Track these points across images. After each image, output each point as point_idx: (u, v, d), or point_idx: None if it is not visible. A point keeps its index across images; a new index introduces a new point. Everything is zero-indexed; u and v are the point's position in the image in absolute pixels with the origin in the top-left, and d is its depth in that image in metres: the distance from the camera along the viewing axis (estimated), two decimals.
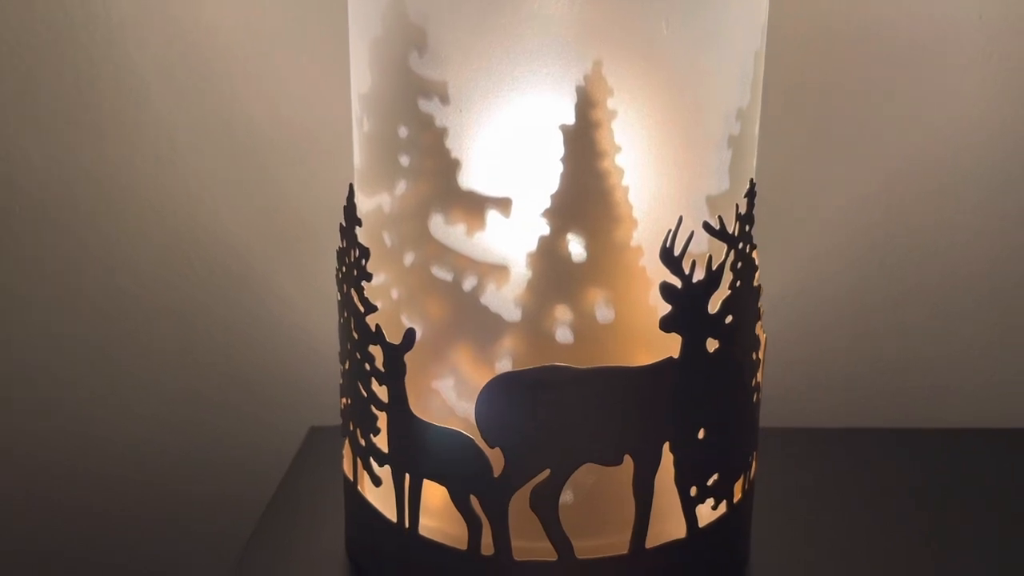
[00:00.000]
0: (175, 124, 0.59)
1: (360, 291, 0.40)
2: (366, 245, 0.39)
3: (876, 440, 0.57)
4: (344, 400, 0.44)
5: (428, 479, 0.39)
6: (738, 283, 0.38)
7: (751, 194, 0.38)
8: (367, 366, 0.40)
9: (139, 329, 0.62)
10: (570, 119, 0.35)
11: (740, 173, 0.39)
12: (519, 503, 0.37)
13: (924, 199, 0.59)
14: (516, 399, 0.36)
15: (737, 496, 0.41)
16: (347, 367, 0.42)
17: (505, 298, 0.37)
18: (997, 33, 0.56)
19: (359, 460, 0.42)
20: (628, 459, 0.37)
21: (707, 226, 0.36)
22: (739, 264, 0.38)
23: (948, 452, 0.56)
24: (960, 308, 0.61)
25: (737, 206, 0.37)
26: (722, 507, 0.41)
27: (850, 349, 0.62)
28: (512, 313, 0.37)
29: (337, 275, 0.42)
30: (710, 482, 0.40)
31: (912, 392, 0.62)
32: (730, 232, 0.37)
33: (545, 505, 0.37)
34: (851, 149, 0.58)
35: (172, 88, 0.58)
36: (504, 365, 0.37)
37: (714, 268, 0.37)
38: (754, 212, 0.38)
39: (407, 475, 0.40)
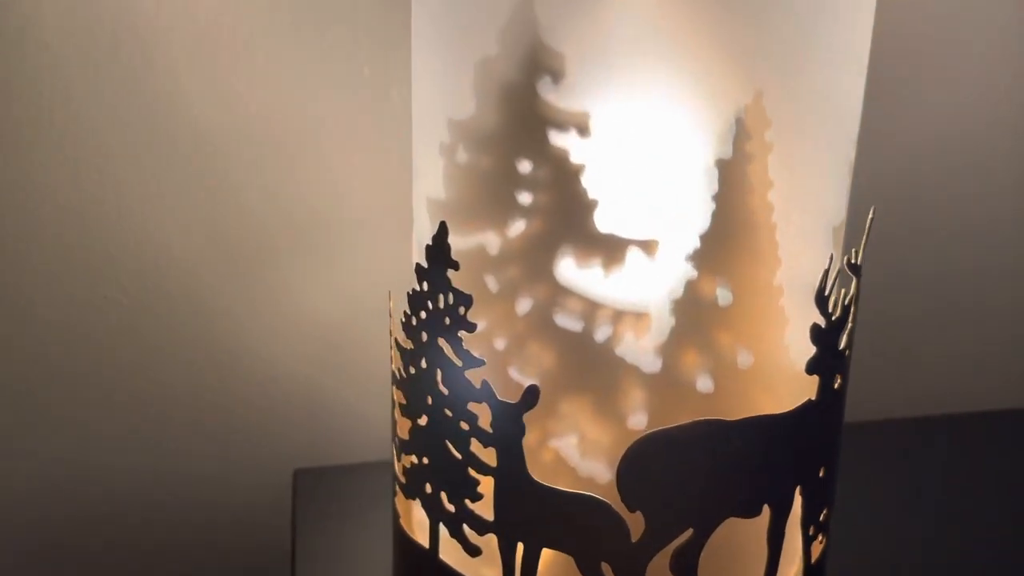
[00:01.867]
0: (100, 125, 0.50)
1: (457, 342, 0.35)
2: (464, 290, 0.34)
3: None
4: (411, 458, 0.39)
5: (550, 548, 0.35)
6: (855, 313, 0.37)
7: (871, 223, 0.37)
8: (464, 425, 0.36)
9: (62, 364, 0.53)
10: (725, 153, 0.32)
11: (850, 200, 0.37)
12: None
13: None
14: (668, 459, 0.33)
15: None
16: (422, 423, 0.38)
17: (645, 348, 0.33)
18: None
19: (444, 527, 0.38)
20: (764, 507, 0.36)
21: (851, 266, 0.35)
22: (856, 296, 0.37)
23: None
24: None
25: (864, 237, 0.36)
26: (824, 539, 0.40)
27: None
28: (652, 364, 0.34)
29: (409, 320, 0.37)
30: (822, 518, 0.39)
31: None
32: (858, 264, 0.36)
33: (687, 566, 0.35)
34: None
35: (98, 80, 0.49)
36: (639, 420, 0.34)
37: (847, 304, 0.35)
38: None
39: (521, 544, 0.36)
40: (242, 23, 0.50)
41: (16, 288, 0.51)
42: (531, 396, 0.34)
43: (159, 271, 0.53)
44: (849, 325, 0.36)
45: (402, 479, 0.40)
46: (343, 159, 0.53)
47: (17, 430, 0.54)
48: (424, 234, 0.38)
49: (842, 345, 0.36)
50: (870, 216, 0.36)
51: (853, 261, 0.35)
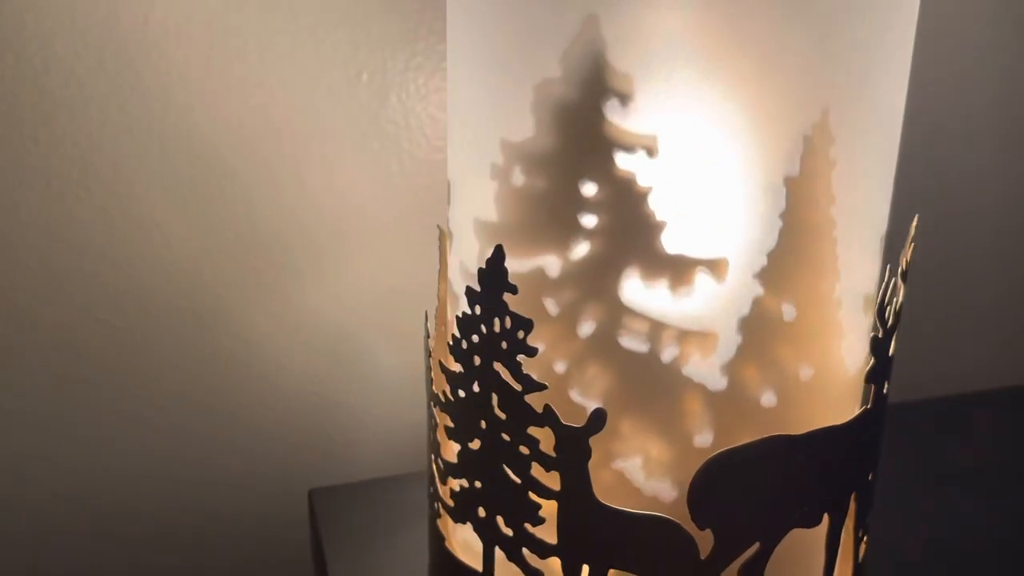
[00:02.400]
0: (93, 131, 0.47)
1: (516, 366, 0.34)
2: (524, 314, 0.34)
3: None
4: (460, 482, 0.38)
5: (616, 569, 0.35)
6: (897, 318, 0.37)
7: (915, 236, 0.37)
8: (524, 449, 0.35)
9: (67, 377, 0.51)
10: (792, 171, 0.32)
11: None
12: None
13: None
14: (738, 477, 0.33)
15: None
16: (473, 447, 0.37)
17: (712, 366, 0.33)
18: None
19: (498, 551, 0.37)
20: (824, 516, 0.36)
21: (903, 274, 0.35)
22: (902, 302, 0.37)
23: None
24: None
25: (907, 253, 0.37)
26: (865, 538, 0.40)
27: None
28: (718, 382, 0.34)
29: (458, 344, 0.36)
30: (868, 519, 0.39)
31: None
32: (906, 272, 0.36)
33: None
34: None
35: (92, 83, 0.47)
36: (705, 439, 0.34)
37: (898, 311, 0.36)
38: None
39: (587, 566, 0.35)
40: (238, 28, 0.48)
41: (18, 291, 0.49)
42: (598, 420, 0.33)
43: (164, 286, 0.51)
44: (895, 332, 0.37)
45: (449, 502, 0.39)
46: (344, 167, 0.51)
47: (21, 444, 0.51)
48: (467, 255, 0.37)
49: (891, 352, 0.36)
50: (914, 223, 0.37)
51: (904, 269, 0.35)
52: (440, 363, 0.38)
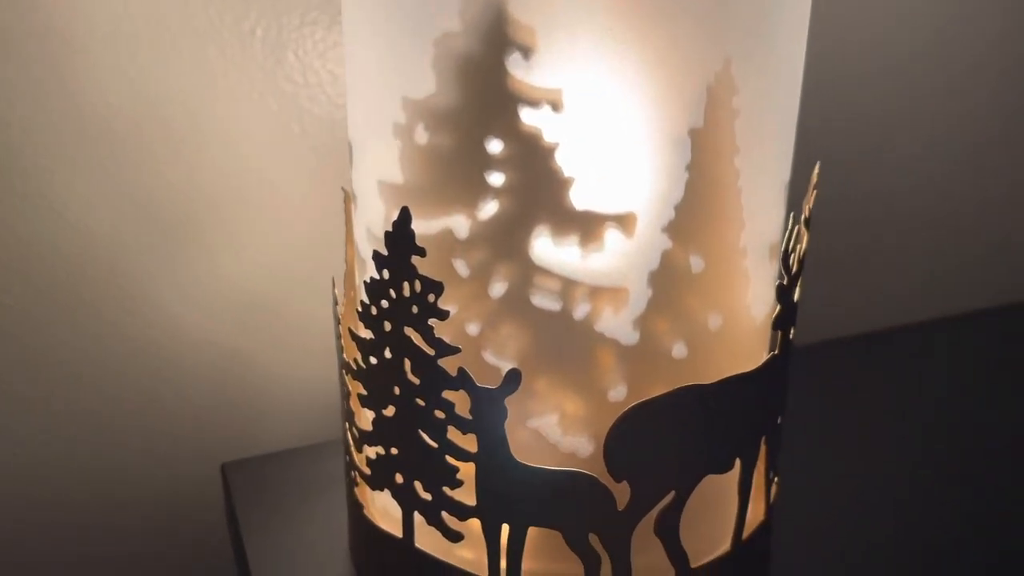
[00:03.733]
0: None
1: (428, 330, 0.34)
2: (432, 276, 0.33)
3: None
4: (376, 449, 0.38)
5: (537, 526, 0.35)
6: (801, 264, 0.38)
7: (817, 178, 0.38)
8: (439, 413, 0.35)
9: None
10: (696, 123, 0.32)
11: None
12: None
13: None
14: (652, 429, 0.34)
15: None
16: (388, 414, 0.36)
17: (624, 321, 0.33)
18: None
19: (419, 516, 0.37)
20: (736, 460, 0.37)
21: (806, 221, 0.36)
22: (804, 251, 0.38)
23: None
24: None
25: (810, 200, 0.37)
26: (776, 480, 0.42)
27: None
28: (630, 337, 0.34)
29: (367, 310, 0.35)
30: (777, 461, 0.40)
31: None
32: (809, 219, 0.37)
33: (671, 527, 0.36)
34: None
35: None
36: (619, 393, 0.34)
37: (802, 258, 0.37)
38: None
39: (507, 525, 0.35)
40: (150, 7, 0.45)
41: None
42: (514, 380, 0.33)
43: (59, 262, 0.48)
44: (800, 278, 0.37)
45: (365, 470, 0.38)
46: (242, 130, 0.49)
47: None
48: (373, 218, 0.36)
49: (796, 298, 0.37)
50: (815, 171, 0.37)
51: (807, 216, 0.36)
52: (350, 330, 0.37)
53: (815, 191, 0.37)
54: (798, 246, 0.36)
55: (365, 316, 0.35)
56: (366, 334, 0.36)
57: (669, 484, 0.35)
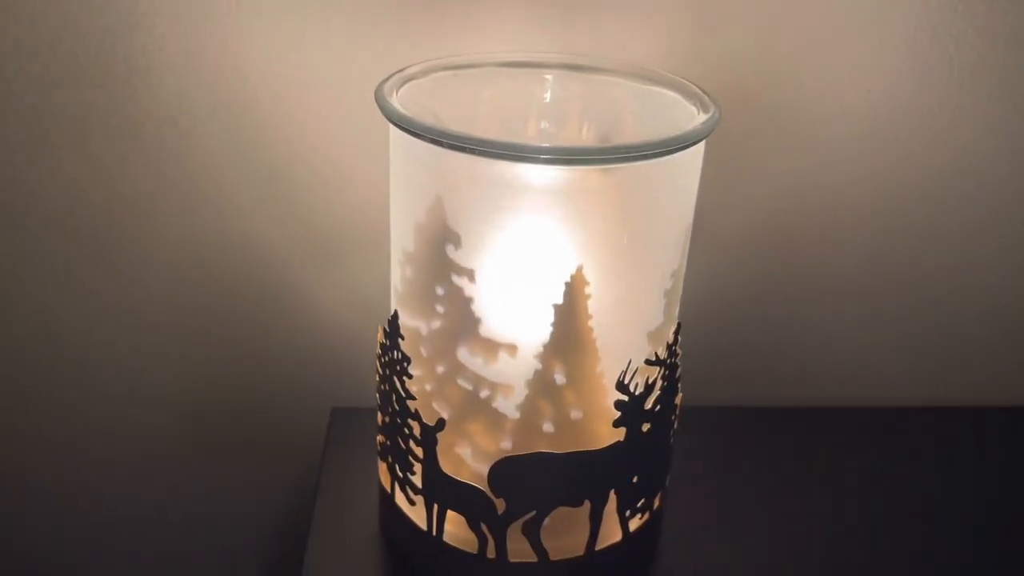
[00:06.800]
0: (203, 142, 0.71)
1: (403, 383, 0.56)
2: (407, 352, 0.55)
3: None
4: (382, 438, 0.61)
5: (451, 510, 0.58)
6: (664, 384, 0.56)
7: (678, 331, 0.55)
8: (406, 430, 0.57)
9: (151, 319, 0.76)
10: (558, 299, 0.51)
11: (671, 314, 0.56)
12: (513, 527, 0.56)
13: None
14: (518, 471, 0.54)
15: (656, 504, 0.61)
16: (388, 421, 0.60)
17: (510, 405, 0.54)
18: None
19: (396, 484, 0.60)
20: (586, 501, 0.56)
21: (648, 361, 0.54)
22: (666, 372, 0.56)
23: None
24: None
25: (669, 339, 0.55)
26: (646, 516, 0.60)
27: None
28: (514, 414, 0.54)
29: (380, 359, 0.58)
30: (639, 504, 0.59)
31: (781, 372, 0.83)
32: (663, 359, 0.55)
33: (532, 531, 0.56)
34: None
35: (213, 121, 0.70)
36: (507, 446, 0.55)
37: (650, 383, 0.55)
38: (679, 342, 0.55)
39: (436, 506, 0.58)
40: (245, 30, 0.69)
41: (124, 265, 0.75)
42: (440, 425, 0.55)
43: (242, 253, 0.75)
44: (657, 393, 0.55)
45: (379, 447, 0.62)
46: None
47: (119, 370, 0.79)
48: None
49: (649, 406, 0.55)
50: (674, 328, 0.55)
51: (652, 359, 0.54)
52: (376, 365, 0.60)
53: (675, 341, 0.55)
54: (646, 375, 0.54)
55: (380, 360, 0.59)
56: (380, 372, 0.59)
57: (530, 506, 0.56)
